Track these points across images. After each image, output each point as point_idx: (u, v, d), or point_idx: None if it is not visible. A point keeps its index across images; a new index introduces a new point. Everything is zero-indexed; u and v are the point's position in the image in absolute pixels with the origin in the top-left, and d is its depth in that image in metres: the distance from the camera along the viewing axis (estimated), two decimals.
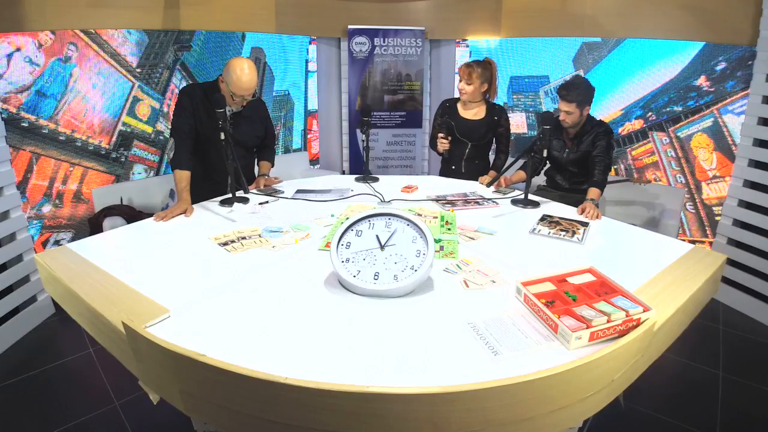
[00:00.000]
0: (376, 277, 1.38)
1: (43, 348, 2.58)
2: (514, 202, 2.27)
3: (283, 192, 2.40)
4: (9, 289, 2.61)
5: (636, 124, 3.63)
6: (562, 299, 1.29)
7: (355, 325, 1.24)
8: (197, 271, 1.53)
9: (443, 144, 2.75)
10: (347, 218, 1.66)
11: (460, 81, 2.74)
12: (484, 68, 2.69)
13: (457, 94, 2.89)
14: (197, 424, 1.62)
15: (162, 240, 1.81)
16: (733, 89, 3.12)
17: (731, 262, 2.96)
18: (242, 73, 2.14)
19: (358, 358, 1.10)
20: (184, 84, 3.56)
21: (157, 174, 3.58)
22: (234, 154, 2.11)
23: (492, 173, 2.70)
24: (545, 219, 2.03)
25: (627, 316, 1.17)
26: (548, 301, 1.27)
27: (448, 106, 2.85)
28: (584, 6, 3.59)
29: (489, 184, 2.55)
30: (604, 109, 3.73)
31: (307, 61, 4.47)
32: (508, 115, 2.89)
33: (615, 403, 1.24)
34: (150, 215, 2.08)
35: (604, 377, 1.10)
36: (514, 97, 4.27)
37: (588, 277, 1.39)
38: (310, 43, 4.41)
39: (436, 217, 2.03)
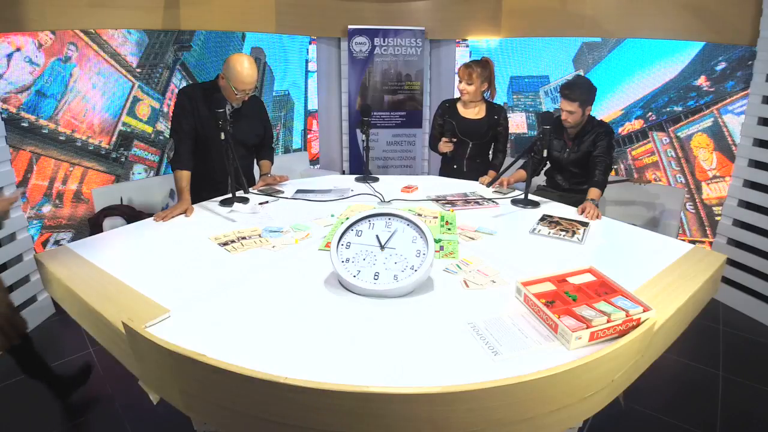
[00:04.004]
0: (376, 277, 1.38)
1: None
2: (514, 202, 2.27)
3: (283, 192, 2.40)
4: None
5: (636, 124, 3.63)
6: (562, 299, 1.29)
7: (355, 325, 1.24)
8: (197, 271, 1.53)
9: (447, 146, 2.75)
10: (347, 218, 1.66)
11: (461, 82, 2.74)
12: (483, 67, 2.70)
13: (457, 95, 2.89)
14: (197, 424, 1.62)
15: (162, 240, 1.81)
16: (733, 89, 3.12)
17: (731, 262, 2.96)
18: (242, 68, 2.15)
19: (358, 358, 1.10)
20: (184, 84, 3.56)
21: (157, 174, 3.58)
22: (234, 154, 2.11)
23: (492, 173, 2.70)
24: (545, 219, 2.03)
25: (627, 316, 1.17)
26: (548, 301, 1.27)
27: (448, 107, 2.85)
28: (584, 6, 3.59)
29: (489, 184, 2.56)
30: (604, 109, 3.73)
31: (307, 61, 4.47)
32: (509, 115, 2.89)
33: (615, 403, 1.24)
34: (150, 215, 2.08)
35: (604, 377, 1.10)
36: (514, 97, 4.27)
37: (588, 277, 1.39)
38: (310, 43, 4.41)
39: (436, 217, 2.03)
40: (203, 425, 1.59)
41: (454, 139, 2.76)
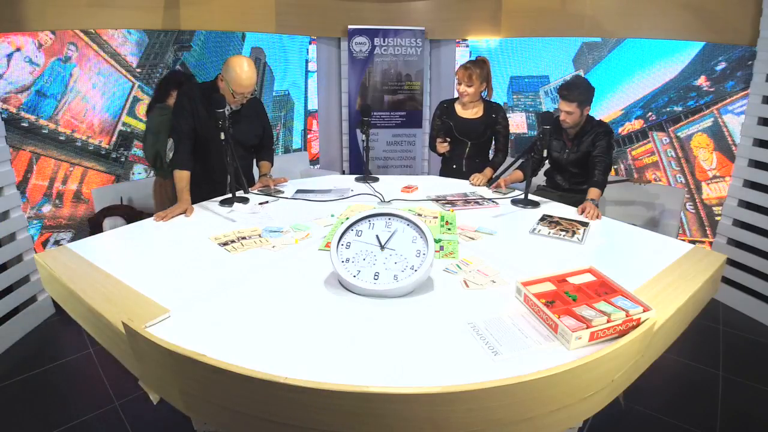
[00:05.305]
0: (376, 277, 1.38)
1: (43, 348, 2.58)
2: (514, 202, 2.27)
3: (283, 192, 2.40)
4: (9, 289, 2.61)
5: (636, 124, 3.63)
6: (562, 299, 1.29)
7: (355, 325, 1.24)
8: (197, 271, 1.53)
9: (443, 147, 2.76)
10: (347, 218, 1.66)
11: (460, 84, 2.72)
12: (481, 68, 2.70)
13: (456, 95, 2.89)
14: (197, 424, 1.62)
15: (162, 240, 1.81)
16: (733, 89, 3.12)
17: (731, 262, 2.96)
18: (242, 71, 2.14)
19: (358, 358, 1.10)
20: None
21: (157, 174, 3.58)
22: (234, 154, 2.11)
23: (487, 173, 2.69)
24: (545, 219, 2.03)
25: (627, 316, 1.17)
26: (548, 301, 1.27)
27: (446, 107, 2.85)
28: (584, 6, 3.59)
29: (489, 184, 2.56)
30: (604, 109, 3.73)
31: (307, 61, 4.47)
32: (509, 114, 2.89)
33: (615, 403, 1.24)
34: (150, 215, 2.08)
35: (604, 377, 1.10)
36: (514, 97, 4.27)
37: (588, 277, 1.39)
38: (310, 43, 4.41)
39: (436, 217, 2.03)
40: (203, 425, 1.59)
41: (448, 139, 2.76)
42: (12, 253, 2.62)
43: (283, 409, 1.00)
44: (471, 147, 2.82)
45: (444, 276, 1.50)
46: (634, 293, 1.28)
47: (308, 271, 1.53)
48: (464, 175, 2.78)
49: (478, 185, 2.57)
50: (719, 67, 3.16)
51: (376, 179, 2.65)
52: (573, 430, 1.64)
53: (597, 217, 2.06)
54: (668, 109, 3.44)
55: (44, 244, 3.06)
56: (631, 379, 1.23)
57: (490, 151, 2.93)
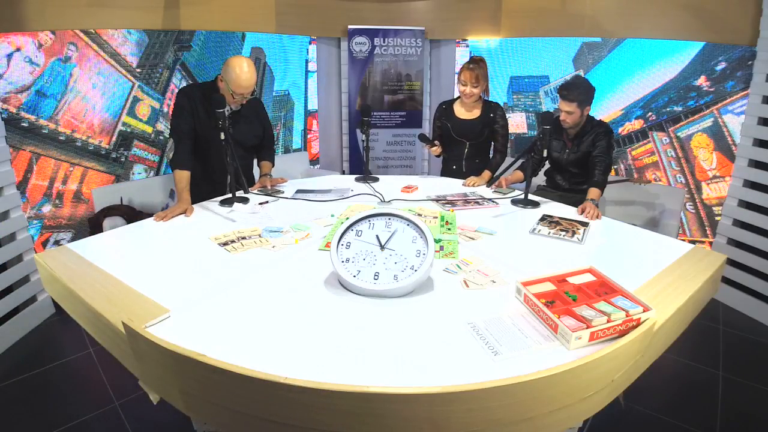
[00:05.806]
0: (376, 277, 1.38)
1: (43, 348, 2.58)
2: (514, 202, 2.27)
3: (283, 192, 2.40)
4: (9, 289, 2.61)
5: (636, 124, 3.63)
6: (562, 299, 1.29)
7: (355, 325, 1.24)
8: (197, 271, 1.53)
9: (435, 151, 2.77)
10: (347, 218, 1.66)
11: (465, 86, 2.68)
12: (483, 68, 2.69)
13: (456, 95, 2.89)
14: (197, 424, 1.62)
15: (162, 240, 1.81)
16: (733, 89, 3.12)
17: (731, 262, 2.96)
18: (242, 72, 2.15)
19: (358, 358, 1.10)
20: (184, 84, 3.56)
21: (157, 174, 3.58)
22: (234, 154, 2.11)
23: (484, 176, 2.68)
24: (545, 219, 2.03)
25: (627, 316, 1.17)
26: (548, 301, 1.27)
27: (445, 108, 2.86)
28: (584, 6, 3.59)
29: (489, 184, 2.55)
30: (604, 109, 3.73)
31: (307, 61, 4.47)
32: (509, 115, 2.88)
33: (615, 403, 1.24)
34: (150, 215, 2.08)
35: (604, 377, 1.10)
36: (514, 97, 4.27)
37: (588, 277, 1.39)
38: (310, 43, 4.41)
39: (436, 217, 2.03)
40: (203, 425, 1.59)
41: (436, 143, 2.76)
42: (12, 253, 2.62)
43: (283, 409, 1.00)
44: (469, 147, 2.82)
45: (444, 276, 1.50)
46: (634, 293, 1.28)
47: (308, 271, 1.53)
48: (464, 176, 2.78)
49: (471, 186, 2.57)
50: (719, 67, 3.16)
51: (376, 179, 2.65)
52: (573, 430, 1.64)
53: (597, 217, 2.06)
54: (668, 109, 3.44)
55: (44, 244, 3.05)
56: (631, 379, 1.23)
57: (491, 151, 2.93)
